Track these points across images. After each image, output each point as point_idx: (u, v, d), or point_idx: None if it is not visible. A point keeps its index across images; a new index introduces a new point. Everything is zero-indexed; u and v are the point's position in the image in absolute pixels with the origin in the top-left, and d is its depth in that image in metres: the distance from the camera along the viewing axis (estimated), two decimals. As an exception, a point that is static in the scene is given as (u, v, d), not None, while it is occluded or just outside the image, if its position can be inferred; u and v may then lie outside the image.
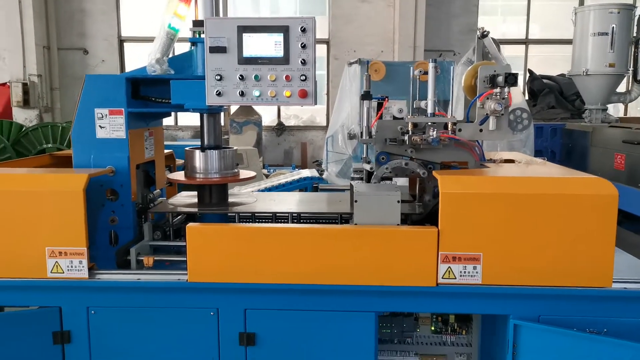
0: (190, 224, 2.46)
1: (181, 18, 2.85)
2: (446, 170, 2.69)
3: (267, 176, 7.80)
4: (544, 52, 12.49)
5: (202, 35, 2.73)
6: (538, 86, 9.79)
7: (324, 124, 11.91)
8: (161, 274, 2.55)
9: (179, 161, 3.59)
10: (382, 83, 6.85)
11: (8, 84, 10.71)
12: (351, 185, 2.88)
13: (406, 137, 2.67)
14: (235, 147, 3.06)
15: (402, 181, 3.24)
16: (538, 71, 10.25)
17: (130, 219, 2.79)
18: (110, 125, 2.73)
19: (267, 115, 11.72)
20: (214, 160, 2.93)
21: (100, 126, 2.73)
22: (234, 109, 10.76)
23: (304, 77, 2.55)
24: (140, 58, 11.65)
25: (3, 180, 2.51)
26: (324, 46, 11.49)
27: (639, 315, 2.39)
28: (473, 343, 2.79)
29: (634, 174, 5.69)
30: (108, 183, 2.75)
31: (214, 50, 2.54)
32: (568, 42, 9.72)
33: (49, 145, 8.82)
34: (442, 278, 2.38)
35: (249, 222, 2.95)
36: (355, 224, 2.45)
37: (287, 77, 2.54)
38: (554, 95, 9.53)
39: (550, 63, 11.93)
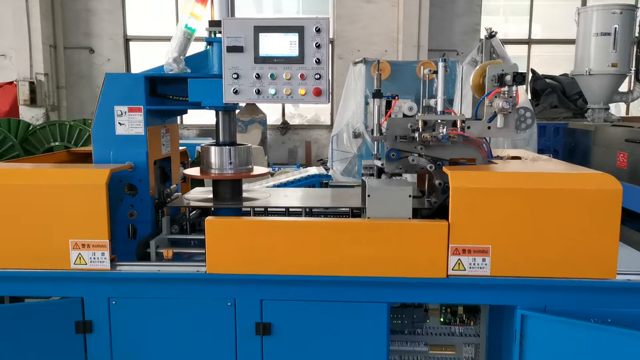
0: (209, 217, 2.55)
1: (197, 18, 2.94)
2: (456, 166, 2.77)
3: (272, 174, 7.89)
4: (546, 52, 12.56)
5: (218, 35, 2.83)
6: (541, 86, 9.87)
7: (328, 123, 12.00)
8: (181, 265, 2.65)
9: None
10: (386, 82, 6.93)
11: (15, 82, 10.81)
12: (363, 181, 2.97)
13: (416, 135, 2.75)
14: (249, 144, 3.15)
15: (411, 178, 3.33)
16: (540, 71, 10.33)
17: (149, 213, 2.87)
18: (130, 122, 2.82)
19: (272, 114, 11.81)
20: (229, 156, 3.02)
21: (119, 123, 2.82)
22: (238, 107, 10.84)
23: (318, 76, 2.63)
24: (145, 57, 11.78)
25: (29, 175, 2.61)
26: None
27: (642, 305, 2.48)
28: (481, 333, 2.87)
29: (637, 173, 5.77)
30: (127, 178, 2.84)
31: (232, 49, 2.63)
32: (570, 42, 9.81)
33: (57, 143, 8.89)
34: (452, 270, 2.47)
35: (263, 216, 3.03)
36: (368, 218, 2.54)
37: (301, 75, 2.63)
38: (556, 95, 9.60)
39: (552, 63, 12.00)
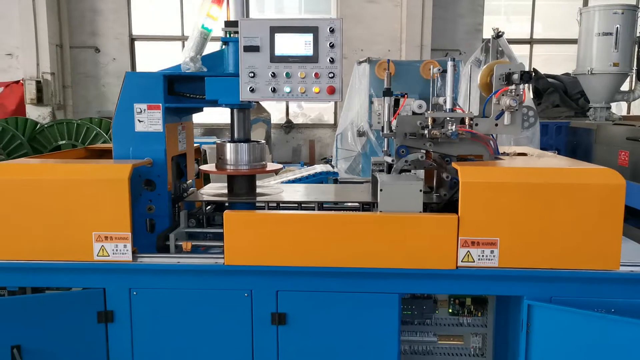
0: (228, 211, 2.64)
1: (214, 19, 3.04)
2: (464, 162, 2.87)
3: (276, 173, 7.98)
4: (547, 51, 12.65)
5: (233, 35, 2.93)
6: (543, 85, 9.95)
7: (332, 122, 12.10)
8: (199, 257, 2.74)
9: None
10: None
11: (22, 81, 10.91)
12: (373, 176, 3.06)
13: (426, 132, 2.84)
14: (262, 141, 3.25)
15: (419, 174, 3.42)
16: (541, 70, 10.41)
17: (166, 207, 2.97)
18: (149, 119, 2.91)
19: (276, 113, 11.90)
20: (243, 152, 3.11)
21: (139, 120, 2.91)
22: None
23: (332, 75, 2.73)
24: (150, 56, 11.87)
25: (54, 170, 2.70)
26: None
27: (645, 296, 2.57)
28: (488, 324, 2.97)
29: (638, 170, 5.85)
30: (146, 174, 2.93)
31: (248, 49, 2.72)
32: (571, 41, 9.90)
33: (64, 141, 9.00)
34: (462, 261, 2.57)
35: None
36: (380, 211, 2.64)
37: (316, 74, 2.72)
38: (558, 94, 9.69)
39: (554, 62, 12.08)
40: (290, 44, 2.72)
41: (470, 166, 2.64)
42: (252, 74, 2.73)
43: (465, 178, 2.53)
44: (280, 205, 3.15)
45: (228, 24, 2.99)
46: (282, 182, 4.75)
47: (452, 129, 2.76)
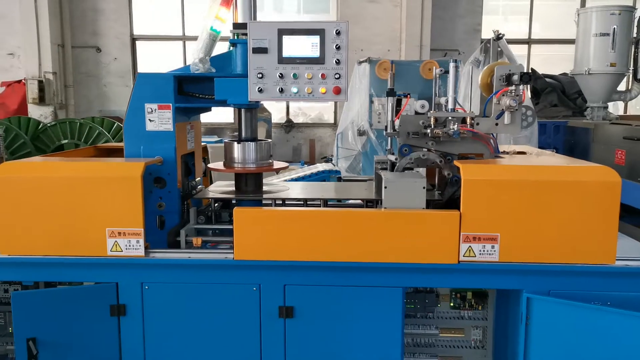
0: (237, 208, 2.73)
1: (222, 21, 3.12)
2: (466, 160, 2.96)
3: (277, 172, 8.06)
4: (545, 51, 12.75)
5: (241, 37, 3.01)
6: (541, 85, 10.04)
7: (332, 121, 12.18)
8: (209, 252, 2.83)
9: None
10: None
11: (24, 81, 10.98)
12: (377, 174, 3.15)
13: (428, 131, 2.93)
14: (269, 140, 3.33)
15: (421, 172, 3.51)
16: (539, 70, 10.51)
17: (176, 204, 3.05)
18: (159, 119, 3.00)
19: (277, 112, 11.98)
20: (251, 151, 3.20)
21: (149, 120, 3.00)
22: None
23: (338, 76, 2.82)
24: (152, 56, 11.95)
25: (68, 168, 2.79)
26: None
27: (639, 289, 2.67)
28: (488, 317, 3.07)
29: (634, 169, 5.94)
30: (156, 172, 3.01)
31: (257, 50, 2.81)
32: (569, 41, 10.00)
33: (67, 141, 9.07)
34: (464, 256, 2.66)
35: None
36: (384, 208, 2.73)
37: (322, 75, 2.81)
38: (556, 94, 9.78)
39: (551, 62, 12.18)
40: (298, 46, 2.81)
41: (471, 164, 2.73)
42: (261, 75, 2.82)
43: (467, 175, 2.62)
44: (287, 202, 3.23)
45: (236, 26, 3.08)
46: (285, 181, 4.83)
47: (454, 128, 2.85)
